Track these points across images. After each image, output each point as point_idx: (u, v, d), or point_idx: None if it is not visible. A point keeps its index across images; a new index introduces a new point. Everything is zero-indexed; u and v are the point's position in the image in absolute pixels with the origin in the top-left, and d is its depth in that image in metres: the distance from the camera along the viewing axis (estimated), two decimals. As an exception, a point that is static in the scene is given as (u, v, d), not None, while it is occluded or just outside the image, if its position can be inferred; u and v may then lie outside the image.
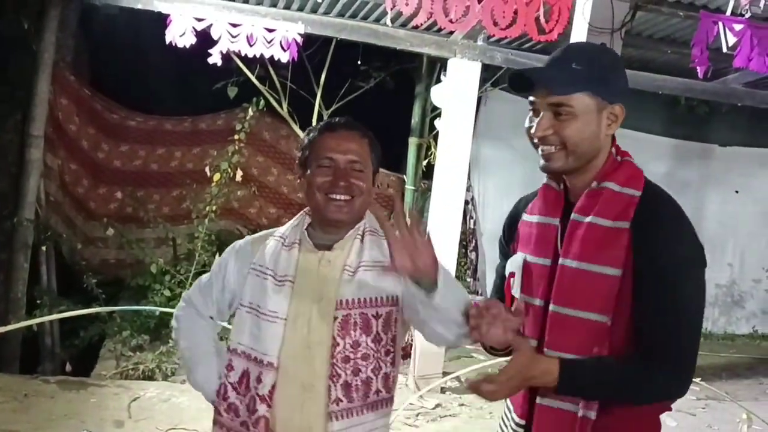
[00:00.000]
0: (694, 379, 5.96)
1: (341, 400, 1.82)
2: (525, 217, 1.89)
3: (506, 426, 1.89)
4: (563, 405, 1.71)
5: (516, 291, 1.81)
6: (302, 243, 1.91)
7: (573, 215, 1.74)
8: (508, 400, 1.89)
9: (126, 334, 6.02)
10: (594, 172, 1.75)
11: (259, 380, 1.85)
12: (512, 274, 1.84)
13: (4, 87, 6.07)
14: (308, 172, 1.89)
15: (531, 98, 1.75)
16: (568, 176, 1.78)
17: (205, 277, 2.08)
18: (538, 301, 1.77)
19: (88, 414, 4.60)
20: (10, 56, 6.00)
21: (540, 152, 1.75)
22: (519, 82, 1.74)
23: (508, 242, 1.95)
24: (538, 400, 1.75)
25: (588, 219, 1.71)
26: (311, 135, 1.93)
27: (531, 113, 1.76)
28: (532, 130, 1.73)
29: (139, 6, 4.97)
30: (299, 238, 1.92)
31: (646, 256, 1.64)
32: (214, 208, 6.52)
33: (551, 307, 1.72)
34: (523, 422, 1.80)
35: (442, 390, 5.88)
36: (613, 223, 1.68)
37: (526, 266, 1.82)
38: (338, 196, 1.84)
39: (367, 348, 1.84)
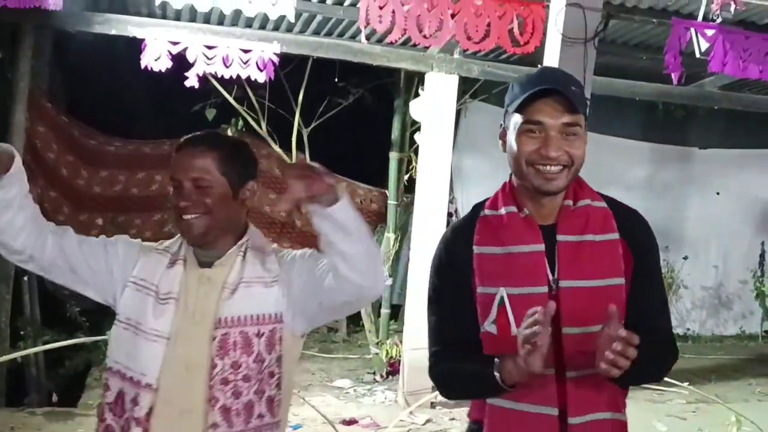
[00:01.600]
0: (683, 383, 5.95)
1: (219, 425, 1.75)
2: (481, 249, 1.79)
3: None
4: (597, 416, 1.72)
5: (513, 328, 1.70)
6: (187, 260, 1.86)
7: (560, 237, 1.75)
8: None
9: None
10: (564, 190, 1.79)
11: (135, 402, 1.76)
12: (502, 310, 1.74)
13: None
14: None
15: (537, 118, 1.72)
16: (548, 197, 1.77)
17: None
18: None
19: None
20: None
21: (539, 174, 1.73)
22: (528, 99, 1.72)
23: (463, 276, 1.80)
24: (570, 421, 1.70)
25: (580, 238, 1.76)
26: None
27: (525, 135, 1.73)
28: (543, 151, 1.71)
29: (113, 32, 4.97)
30: (184, 254, 1.87)
31: (641, 259, 1.79)
32: (196, 228, 6.50)
33: (565, 330, 1.71)
34: None
35: (432, 405, 5.86)
36: (604, 236, 1.76)
37: (512, 300, 1.73)
38: (185, 216, 1.80)
39: (249, 369, 1.78)
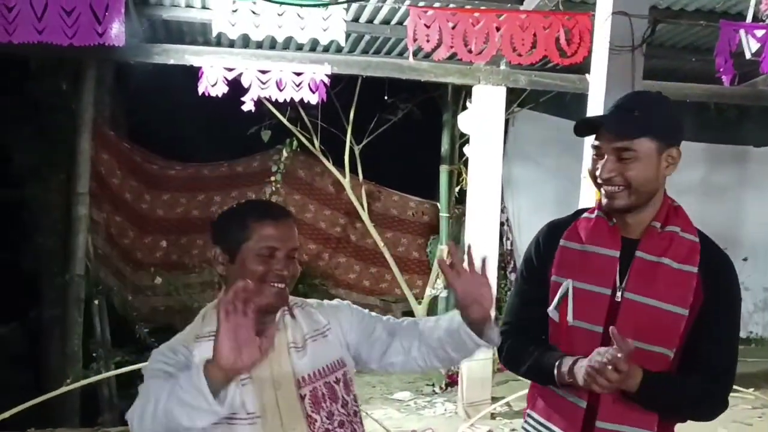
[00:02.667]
0: (748, 389, 5.88)
1: None
2: (566, 243, 1.97)
3: None
4: (625, 428, 1.84)
5: (570, 317, 1.89)
6: None
7: (639, 253, 1.88)
8: (548, 425, 1.96)
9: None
10: (651, 210, 1.91)
11: None
12: (565, 300, 1.91)
13: (46, 148, 6.30)
14: (239, 258, 1.80)
15: (595, 143, 1.88)
16: (627, 214, 1.90)
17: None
18: (597, 328, 1.87)
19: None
20: (49, 118, 6.24)
21: (603, 192, 1.88)
22: (584, 127, 1.92)
23: (545, 266, 2.00)
24: (598, 423, 1.85)
25: (658, 259, 1.87)
26: (243, 218, 1.83)
27: (594, 156, 1.90)
28: (597, 172, 1.87)
29: (171, 62, 5.13)
30: None
31: (714, 298, 1.85)
32: (256, 247, 6.65)
33: None
34: None
35: (492, 416, 5.89)
36: (681, 266, 1.86)
37: (576, 293, 1.90)
38: (280, 285, 1.81)
39: (340, 415, 1.84)
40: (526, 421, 2.05)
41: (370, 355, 1.95)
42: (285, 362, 1.82)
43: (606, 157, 1.86)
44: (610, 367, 1.68)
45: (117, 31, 4.32)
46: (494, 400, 5.92)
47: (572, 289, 1.89)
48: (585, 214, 2.00)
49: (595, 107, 4.14)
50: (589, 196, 4.02)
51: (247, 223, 1.81)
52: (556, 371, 1.85)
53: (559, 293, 1.92)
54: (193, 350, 1.77)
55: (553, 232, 2.03)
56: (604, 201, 1.88)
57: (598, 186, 1.90)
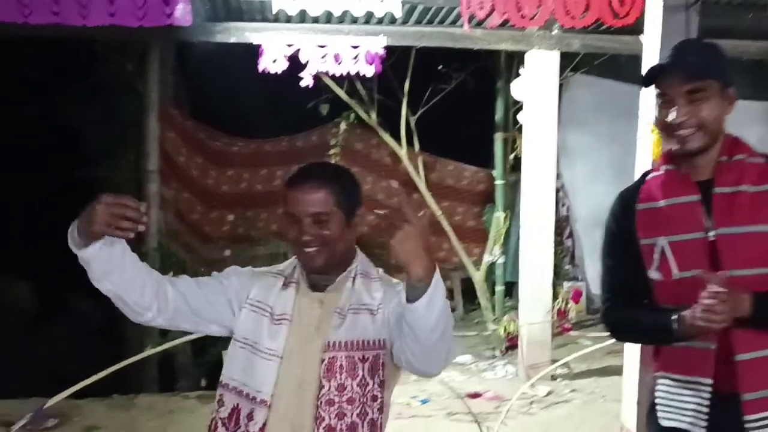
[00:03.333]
0: None
1: None
2: (643, 205, 2.04)
3: (680, 395, 2.00)
4: (764, 353, 1.90)
5: (674, 271, 1.96)
6: (299, 283, 1.94)
7: (716, 189, 1.96)
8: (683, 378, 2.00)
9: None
10: (716, 148, 1.99)
11: (250, 417, 1.85)
12: (664, 258, 1.98)
13: (116, 129, 6.60)
14: (282, 222, 1.96)
15: (662, 90, 1.97)
16: (698, 156, 1.98)
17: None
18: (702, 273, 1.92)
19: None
20: (117, 100, 6.51)
21: (676, 138, 1.96)
22: (650, 77, 2.00)
23: (629, 235, 2.05)
24: (738, 357, 1.90)
25: (736, 189, 1.95)
26: (284, 186, 1.93)
27: (661, 104, 1.98)
28: (669, 118, 1.95)
29: (233, 40, 5.29)
30: (297, 278, 1.95)
31: None
32: (320, 217, 6.84)
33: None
34: (710, 381, 1.93)
35: (553, 377, 5.98)
36: (758, 187, 1.95)
37: (672, 246, 1.97)
38: (307, 249, 1.87)
39: (353, 392, 1.84)
40: (658, 388, 2.07)
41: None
42: (326, 323, 1.88)
43: (676, 102, 1.94)
44: (715, 300, 1.77)
45: (183, 11, 4.52)
46: (554, 362, 6.01)
47: (667, 244, 1.96)
48: (651, 174, 2.08)
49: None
50: (645, 160, 4.03)
51: (284, 188, 1.92)
52: (675, 326, 1.89)
53: (655, 253, 1.98)
54: (256, 281, 1.95)
55: (625, 200, 2.10)
56: (676, 147, 1.96)
57: (670, 133, 1.97)
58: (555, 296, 6.57)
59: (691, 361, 1.96)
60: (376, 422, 1.88)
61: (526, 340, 6.05)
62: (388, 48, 5.45)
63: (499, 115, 6.89)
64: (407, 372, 1.90)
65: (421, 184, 7.24)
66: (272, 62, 5.29)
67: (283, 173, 7.75)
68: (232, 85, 7.29)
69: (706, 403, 1.93)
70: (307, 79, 5.38)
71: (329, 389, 1.83)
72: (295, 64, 5.41)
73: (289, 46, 5.30)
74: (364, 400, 1.85)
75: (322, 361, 1.84)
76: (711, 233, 1.94)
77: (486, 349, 7.00)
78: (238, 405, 1.87)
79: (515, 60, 6.41)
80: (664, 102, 1.97)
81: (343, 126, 7.03)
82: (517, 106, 6.56)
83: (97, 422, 5.11)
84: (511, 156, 6.97)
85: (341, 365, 1.84)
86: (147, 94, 6.09)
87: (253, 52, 5.41)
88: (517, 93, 6.08)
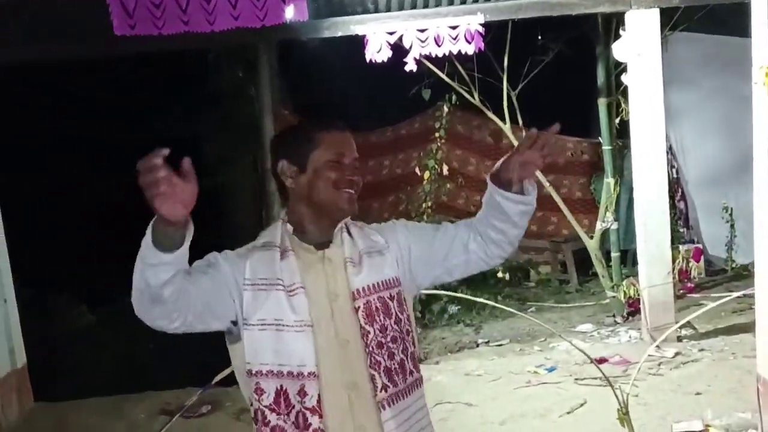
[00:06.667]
0: None
1: (388, 386, 1.82)
2: None
3: None
4: None
5: None
6: (295, 248, 1.88)
7: None
8: None
9: (378, 328, 6.65)
10: None
11: (303, 393, 1.78)
12: None
13: (231, 135, 6.96)
14: (310, 167, 1.86)
15: None
16: None
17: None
18: None
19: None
20: (233, 106, 6.88)
21: None
22: None
23: None
24: None
25: None
26: (309, 130, 1.90)
27: None
28: None
29: (339, 34, 5.51)
30: (290, 244, 1.88)
31: None
32: (429, 203, 7.04)
33: None
34: None
35: (678, 339, 5.96)
36: None
37: None
38: (350, 190, 1.87)
39: (393, 330, 1.86)
40: None
41: (432, 261, 1.95)
42: (341, 276, 1.86)
43: None
44: None
45: (299, 8, 4.76)
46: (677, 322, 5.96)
47: None
48: None
49: (760, 15, 3.94)
50: (764, 109, 3.89)
51: (313, 133, 1.88)
52: None
53: None
54: (246, 260, 1.84)
55: None
56: None
57: None
58: (673, 259, 6.49)
59: None
60: (415, 355, 1.92)
61: (649, 303, 6.03)
62: (486, 24, 5.53)
63: (601, 80, 6.85)
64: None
65: (528, 159, 7.25)
66: (377, 52, 5.45)
67: (390, 162, 7.99)
68: (332, 81, 7.52)
69: None
70: (410, 64, 5.53)
71: (375, 333, 1.83)
72: (394, 51, 5.53)
73: (391, 34, 5.45)
74: (403, 335, 1.88)
75: (357, 309, 1.83)
76: None
77: (606, 316, 7.01)
78: (282, 387, 1.79)
79: (614, 22, 6.36)
80: None
81: (446, 108, 7.16)
82: (618, 70, 6.54)
83: (246, 406, 5.41)
84: (617, 120, 6.92)
85: (377, 307, 1.85)
86: (260, 98, 6.38)
87: (349, 45, 5.57)
88: (620, 54, 6.03)
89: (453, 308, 7.37)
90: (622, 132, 6.91)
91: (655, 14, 5.70)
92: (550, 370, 5.69)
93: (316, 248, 1.88)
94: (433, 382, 5.44)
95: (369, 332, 1.82)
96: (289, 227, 1.90)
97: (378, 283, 1.87)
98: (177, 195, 1.48)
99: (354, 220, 1.97)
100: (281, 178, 1.91)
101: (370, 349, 1.81)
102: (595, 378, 5.08)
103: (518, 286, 8.42)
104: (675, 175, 8.09)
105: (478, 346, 6.65)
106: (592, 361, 4.17)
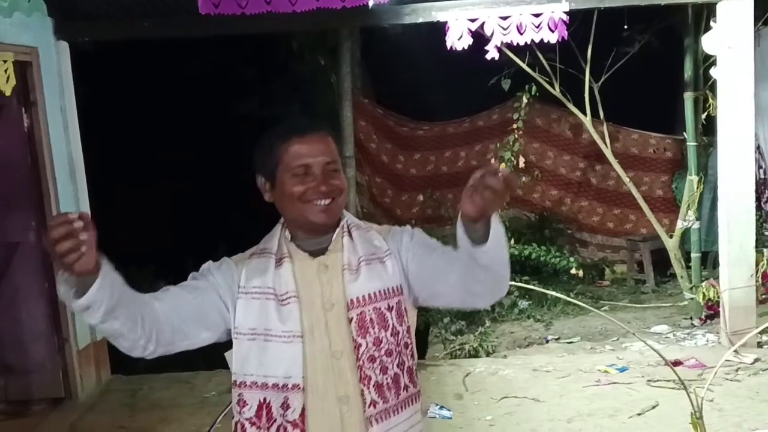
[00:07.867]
0: None
1: (377, 402, 1.74)
2: None
3: None
4: None
5: None
6: (292, 255, 1.79)
7: None
8: None
9: (447, 321, 6.68)
10: None
11: (286, 406, 1.72)
12: None
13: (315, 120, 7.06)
14: (278, 183, 1.77)
15: None
16: None
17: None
18: None
19: (432, 390, 5.14)
20: (314, 93, 6.97)
21: None
22: None
23: None
24: None
25: None
26: (271, 142, 1.78)
27: None
28: None
29: (420, 20, 5.47)
30: (287, 251, 1.80)
31: None
32: (504, 196, 6.96)
33: None
34: None
35: (759, 345, 5.75)
36: None
37: None
38: (323, 202, 1.74)
39: (389, 343, 1.76)
40: None
41: (422, 282, 1.80)
42: (338, 284, 1.77)
43: None
44: None
45: (381, -10, 4.74)
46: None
47: None
48: None
49: None
50: None
51: (274, 145, 1.77)
52: None
53: None
54: (242, 268, 1.79)
55: None
56: None
57: None
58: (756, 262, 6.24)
59: None
60: (412, 369, 1.82)
61: (729, 306, 5.82)
62: (570, 13, 5.42)
63: (688, 74, 6.62)
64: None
65: (608, 151, 7.12)
66: (458, 39, 5.40)
67: (466, 153, 7.96)
68: (413, 71, 7.55)
69: None
70: (492, 52, 5.47)
71: (367, 346, 1.74)
72: (475, 40, 5.46)
73: (473, 21, 5.40)
74: (399, 349, 1.78)
75: (350, 320, 1.74)
76: None
77: (683, 318, 6.82)
78: (265, 399, 1.74)
79: (704, 14, 6.16)
80: None
81: (525, 99, 7.07)
82: (707, 63, 6.32)
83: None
84: (703, 116, 6.68)
85: (371, 319, 1.75)
86: (340, 85, 6.44)
87: (430, 35, 5.53)
88: (709, 47, 5.82)
89: (523, 303, 7.29)
90: (707, 129, 6.69)
91: (748, 5, 5.48)
92: (622, 370, 5.57)
93: (314, 255, 1.79)
94: (500, 376, 5.42)
95: (361, 345, 1.74)
96: (288, 233, 1.83)
97: (375, 293, 1.77)
98: (90, 249, 1.43)
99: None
100: (263, 194, 1.84)
101: (361, 363, 1.73)
102: (669, 380, 4.97)
103: (591, 284, 8.26)
104: (762, 176, 7.77)
105: (547, 342, 6.57)
106: (666, 363, 4.04)
